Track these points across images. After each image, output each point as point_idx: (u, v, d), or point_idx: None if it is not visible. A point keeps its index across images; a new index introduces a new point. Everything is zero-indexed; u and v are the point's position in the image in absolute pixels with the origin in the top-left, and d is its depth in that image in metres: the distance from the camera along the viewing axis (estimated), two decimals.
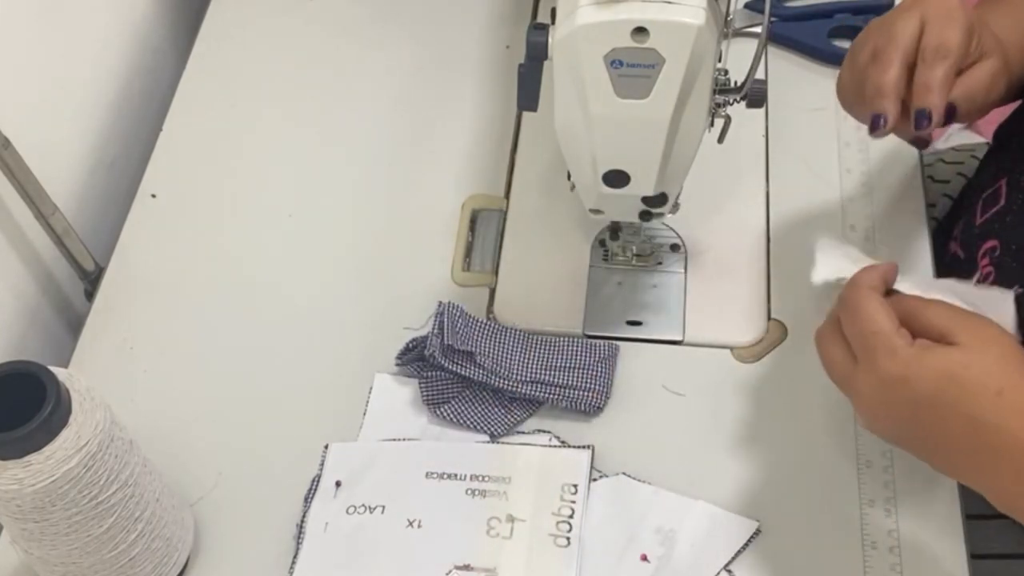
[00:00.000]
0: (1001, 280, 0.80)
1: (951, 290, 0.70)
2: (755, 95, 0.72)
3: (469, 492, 0.77)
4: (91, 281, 0.94)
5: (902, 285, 0.68)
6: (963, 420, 0.62)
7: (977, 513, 0.82)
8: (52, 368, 0.62)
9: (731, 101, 0.72)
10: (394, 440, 0.80)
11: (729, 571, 0.73)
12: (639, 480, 0.77)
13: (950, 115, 0.73)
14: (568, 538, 0.74)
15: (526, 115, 0.97)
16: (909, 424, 0.64)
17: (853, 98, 0.77)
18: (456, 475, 0.78)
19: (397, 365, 0.83)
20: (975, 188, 0.89)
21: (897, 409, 0.64)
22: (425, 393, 0.81)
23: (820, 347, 0.68)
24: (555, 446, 0.79)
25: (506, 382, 0.80)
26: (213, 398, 0.84)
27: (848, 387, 0.66)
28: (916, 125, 0.72)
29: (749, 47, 0.72)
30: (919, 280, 0.70)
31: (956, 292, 0.70)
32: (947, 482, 0.76)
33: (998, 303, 0.70)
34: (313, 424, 0.81)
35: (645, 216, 0.79)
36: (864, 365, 0.64)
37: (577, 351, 0.82)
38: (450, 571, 0.74)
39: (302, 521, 0.77)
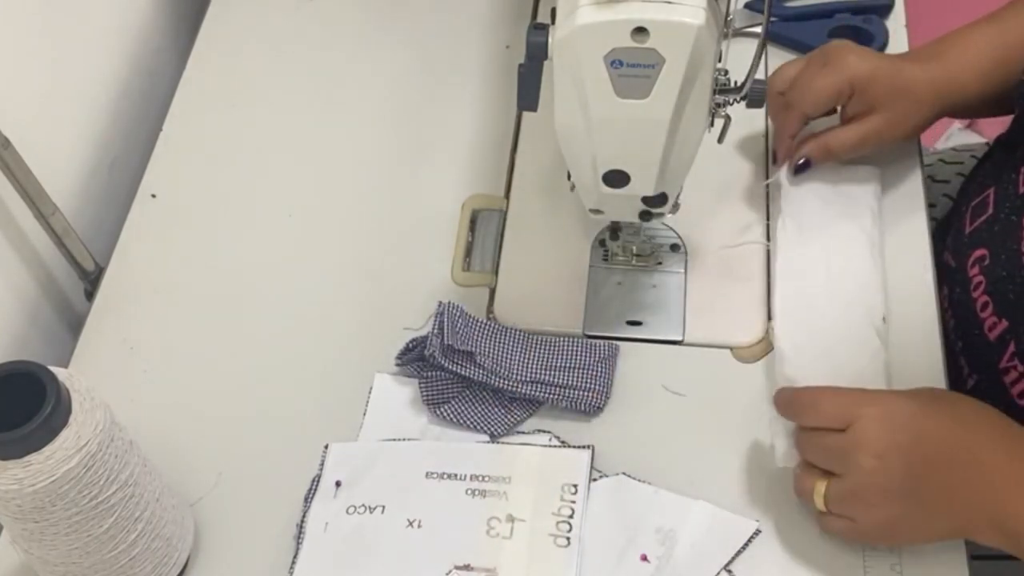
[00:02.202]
0: (991, 289, 0.81)
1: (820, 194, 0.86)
2: (755, 95, 0.72)
3: (469, 492, 0.77)
4: (91, 281, 0.94)
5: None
6: (961, 427, 0.69)
7: None
8: (52, 368, 0.62)
9: (731, 101, 0.72)
10: (394, 440, 0.80)
11: (729, 571, 0.73)
12: (639, 480, 0.77)
13: (805, 166, 0.86)
14: (568, 538, 0.74)
15: (526, 115, 0.97)
16: (914, 446, 0.68)
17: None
18: (456, 475, 0.78)
19: (397, 365, 0.83)
20: (964, 197, 0.90)
21: (901, 434, 0.68)
22: (425, 393, 0.81)
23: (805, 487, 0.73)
24: (555, 446, 0.79)
25: (506, 382, 0.80)
26: (213, 398, 0.84)
27: (846, 456, 0.69)
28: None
29: (749, 47, 0.72)
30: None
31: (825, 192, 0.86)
32: None
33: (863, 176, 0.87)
34: (313, 424, 0.81)
35: (645, 216, 0.79)
36: (855, 421, 0.69)
37: (577, 351, 0.82)
38: (450, 571, 0.74)
39: (302, 521, 0.77)
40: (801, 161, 0.86)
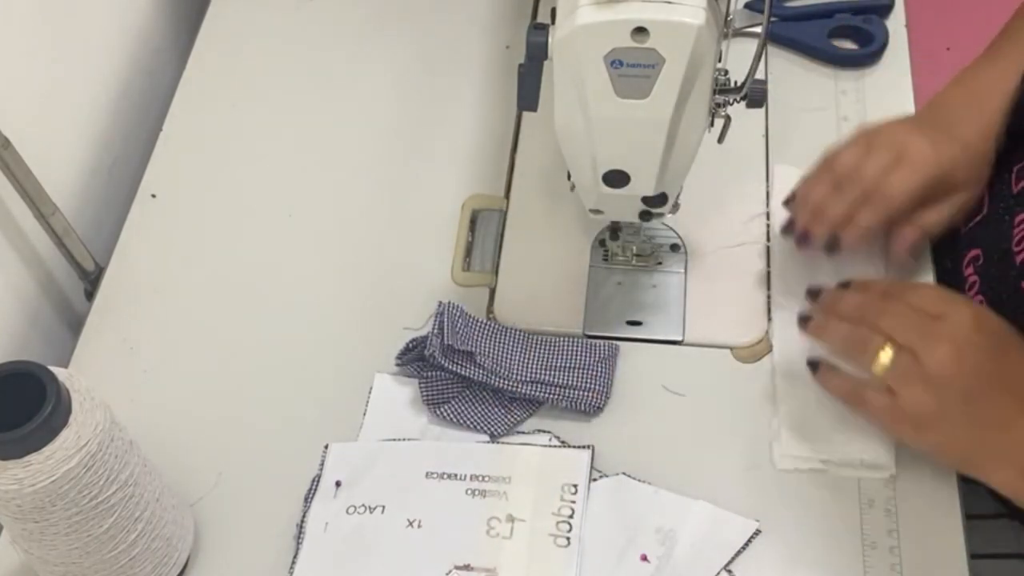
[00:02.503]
0: (984, 289, 0.81)
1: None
2: (755, 95, 0.72)
3: (469, 492, 0.77)
4: (91, 281, 0.94)
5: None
6: None
7: (977, 513, 0.82)
8: (52, 368, 0.62)
9: (731, 101, 0.72)
10: (394, 440, 0.80)
11: (729, 571, 0.73)
12: (639, 480, 0.77)
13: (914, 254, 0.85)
14: (568, 538, 0.74)
15: (526, 115, 0.97)
16: (992, 356, 0.69)
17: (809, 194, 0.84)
18: (456, 475, 0.78)
19: (397, 365, 0.83)
20: None
21: (984, 339, 0.70)
22: (425, 393, 0.81)
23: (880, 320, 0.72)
24: (555, 446, 0.79)
25: (506, 382, 0.80)
26: (213, 398, 0.84)
27: (924, 340, 0.69)
28: (828, 247, 0.82)
29: (749, 47, 0.72)
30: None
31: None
32: (947, 482, 0.76)
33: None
34: (313, 424, 0.81)
35: (645, 216, 0.79)
36: (945, 315, 0.70)
37: (577, 351, 0.82)
38: (450, 571, 0.74)
39: (302, 521, 0.77)
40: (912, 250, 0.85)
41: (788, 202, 0.86)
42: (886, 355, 0.70)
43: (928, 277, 0.86)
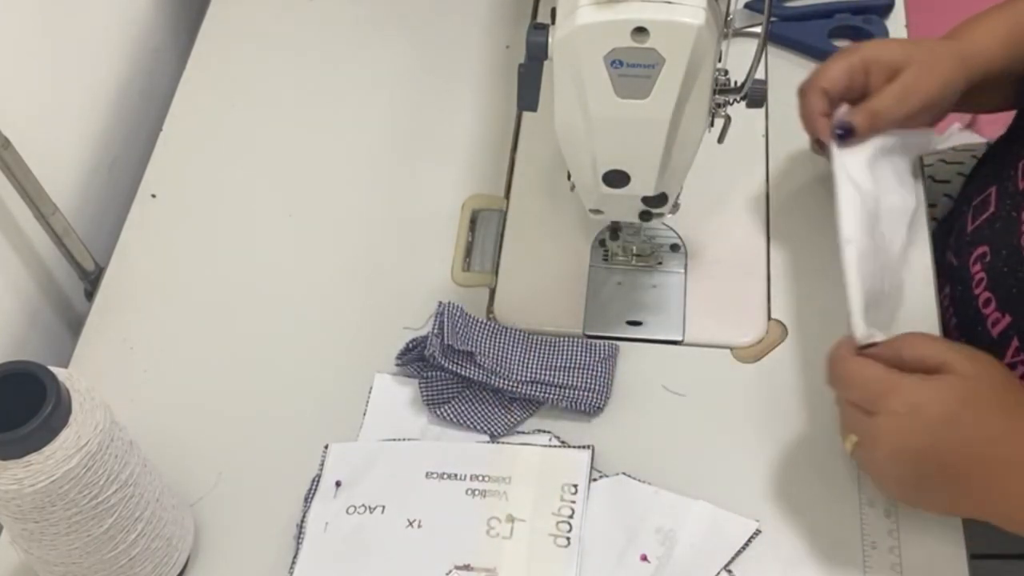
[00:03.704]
0: (993, 286, 0.81)
1: (884, 148, 0.82)
2: (755, 95, 0.72)
3: (469, 492, 0.77)
4: (91, 281, 0.94)
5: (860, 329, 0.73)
6: (979, 437, 0.66)
7: None
8: (52, 368, 0.62)
9: (731, 101, 0.72)
10: (394, 440, 0.80)
11: (729, 571, 0.73)
12: (639, 480, 0.77)
13: (847, 132, 0.82)
14: (568, 538, 0.74)
15: (526, 115, 0.97)
16: (927, 455, 0.67)
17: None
18: (456, 475, 0.78)
19: (397, 365, 0.83)
20: (965, 197, 0.90)
21: (916, 439, 0.67)
22: (425, 393, 0.81)
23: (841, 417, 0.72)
24: (555, 446, 0.79)
25: (506, 382, 0.80)
26: (213, 398, 0.84)
27: (867, 440, 0.69)
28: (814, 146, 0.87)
29: (749, 47, 0.72)
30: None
31: (887, 147, 0.82)
32: None
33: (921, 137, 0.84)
34: (313, 424, 0.81)
35: (645, 216, 0.79)
36: (878, 412, 0.68)
37: (577, 351, 0.82)
38: (450, 571, 0.74)
39: (302, 521, 0.77)
40: (841, 128, 0.81)
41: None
42: (850, 443, 0.71)
43: (928, 275, 0.85)
